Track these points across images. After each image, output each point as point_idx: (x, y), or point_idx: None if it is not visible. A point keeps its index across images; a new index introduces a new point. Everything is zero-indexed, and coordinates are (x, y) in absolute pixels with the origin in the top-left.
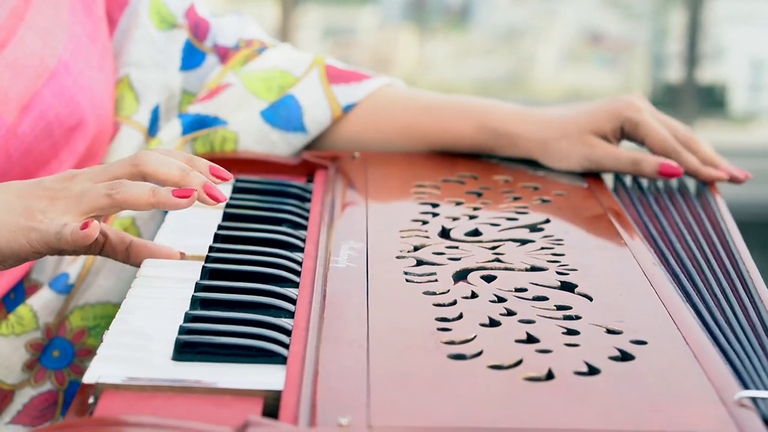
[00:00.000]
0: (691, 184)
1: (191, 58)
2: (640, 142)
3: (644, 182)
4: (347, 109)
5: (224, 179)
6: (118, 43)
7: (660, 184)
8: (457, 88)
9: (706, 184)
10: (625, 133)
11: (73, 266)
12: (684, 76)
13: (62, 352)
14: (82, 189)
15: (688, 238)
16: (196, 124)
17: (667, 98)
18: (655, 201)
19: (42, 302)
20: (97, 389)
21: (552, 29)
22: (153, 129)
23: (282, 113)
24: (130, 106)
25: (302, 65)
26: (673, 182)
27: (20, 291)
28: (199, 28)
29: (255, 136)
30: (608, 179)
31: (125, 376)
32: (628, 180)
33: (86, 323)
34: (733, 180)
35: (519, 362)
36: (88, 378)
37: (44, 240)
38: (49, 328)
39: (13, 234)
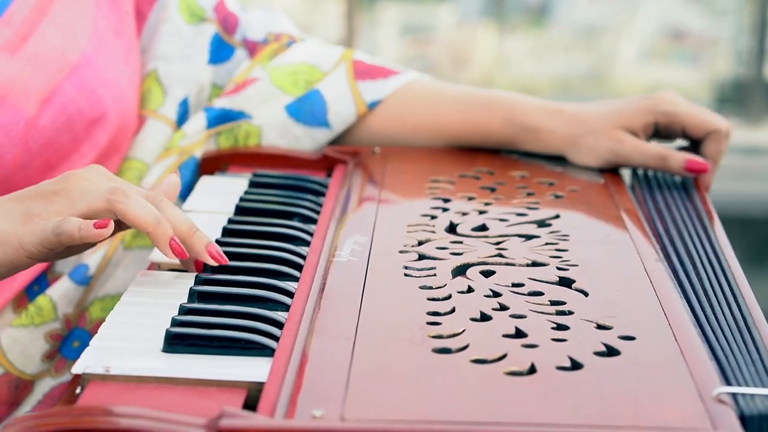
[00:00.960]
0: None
1: (220, 51)
2: (680, 133)
3: (659, 176)
4: (372, 105)
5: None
6: (147, 37)
7: (677, 178)
8: (536, 85)
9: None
10: (661, 128)
11: (92, 257)
12: (754, 72)
13: (82, 342)
14: (81, 189)
15: (692, 234)
16: (221, 118)
17: (736, 95)
18: (669, 196)
19: (61, 292)
20: (83, 379)
21: (633, 25)
22: (182, 121)
23: (307, 108)
24: (157, 99)
25: (331, 60)
26: (677, 177)
27: (44, 282)
28: (228, 23)
29: (279, 131)
30: (626, 176)
31: (112, 367)
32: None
33: (106, 314)
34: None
35: (503, 357)
36: (76, 368)
37: (40, 240)
38: (69, 319)
39: (6, 238)
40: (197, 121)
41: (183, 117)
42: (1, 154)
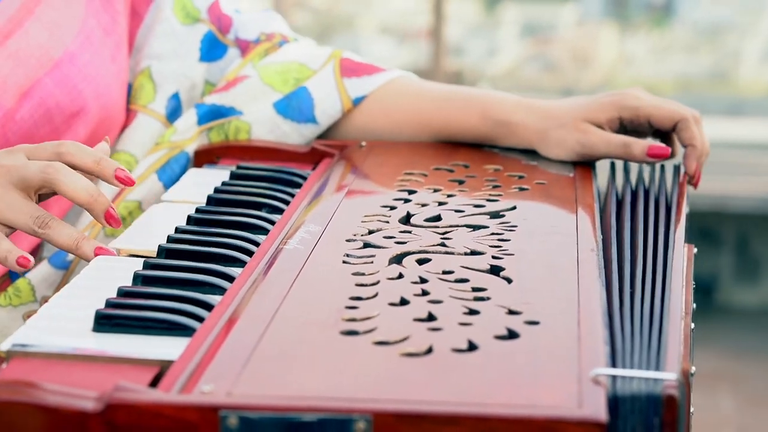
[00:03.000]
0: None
1: (213, 50)
2: (647, 127)
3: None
4: (357, 101)
5: (128, 184)
6: (142, 36)
7: (652, 174)
8: (658, 85)
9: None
10: (627, 122)
11: None
12: None
13: None
14: (15, 163)
15: (641, 227)
16: (212, 114)
17: None
18: (643, 191)
19: (40, 276)
20: (8, 356)
21: (758, 24)
22: (173, 117)
23: (294, 105)
24: (148, 95)
25: (320, 59)
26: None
27: None
28: (222, 23)
29: (267, 127)
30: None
31: (34, 344)
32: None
33: None
34: (690, 179)
35: (404, 339)
36: (3, 346)
37: None
38: (47, 301)
39: None
40: (188, 117)
41: (174, 112)
42: None
